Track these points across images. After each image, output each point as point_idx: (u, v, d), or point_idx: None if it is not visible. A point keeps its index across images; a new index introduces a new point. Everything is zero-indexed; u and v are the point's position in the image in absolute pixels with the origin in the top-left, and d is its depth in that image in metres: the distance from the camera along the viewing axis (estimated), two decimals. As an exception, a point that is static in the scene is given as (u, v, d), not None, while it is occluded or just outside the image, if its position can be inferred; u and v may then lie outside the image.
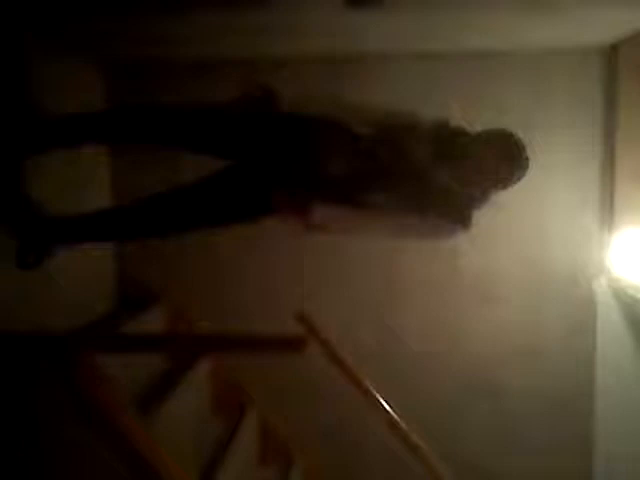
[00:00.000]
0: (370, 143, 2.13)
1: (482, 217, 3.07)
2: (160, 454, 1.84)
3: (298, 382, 3.31)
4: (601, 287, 3.26)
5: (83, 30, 2.77)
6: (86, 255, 3.02)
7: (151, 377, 2.85)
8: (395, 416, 3.02)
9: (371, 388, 3.02)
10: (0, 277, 2.35)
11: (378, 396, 3.03)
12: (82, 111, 2.52)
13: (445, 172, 2.09)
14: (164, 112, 2.33)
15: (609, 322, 3.24)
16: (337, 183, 2.10)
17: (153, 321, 3.13)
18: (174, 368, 2.99)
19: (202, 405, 3.15)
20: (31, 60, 2.60)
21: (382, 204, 2.07)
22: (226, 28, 2.71)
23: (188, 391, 2.87)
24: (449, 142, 2.11)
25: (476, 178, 2.11)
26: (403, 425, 3.02)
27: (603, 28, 2.84)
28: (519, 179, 2.14)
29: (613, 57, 3.15)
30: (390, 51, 3.13)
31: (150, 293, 3.32)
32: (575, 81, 3.23)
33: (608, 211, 3.24)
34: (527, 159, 2.11)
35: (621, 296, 3.10)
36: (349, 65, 3.18)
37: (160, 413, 2.45)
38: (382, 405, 3.03)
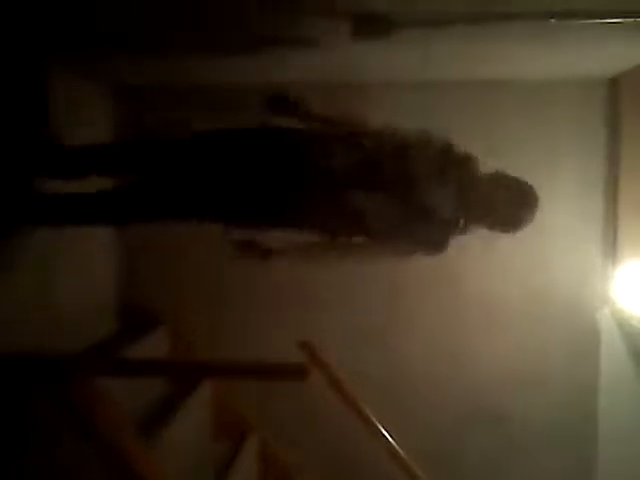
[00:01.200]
0: (375, 151, 2.14)
1: (486, 246, 3.12)
2: (163, 477, 1.84)
3: (299, 408, 3.30)
4: (605, 318, 3.26)
5: (101, 61, 2.86)
6: (90, 276, 3.04)
7: (152, 401, 2.85)
8: (395, 445, 3.01)
9: (371, 416, 3.02)
10: (1, 297, 2.36)
11: (378, 424, 3.02)
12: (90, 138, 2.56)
13: (443, 194, 2.09)
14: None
15: (612, 352, 3.23)
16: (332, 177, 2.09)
17: (155, 345, 3.13)
18: (175, 392, 2.99)
19: (203, 430, 3.14)
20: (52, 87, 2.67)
21: (367, 209, 2.07)
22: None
23: (189, 416, 2.86)
24: (460, 166, 2.13)
25: (478, 212, 2.12)
26: (403, 454, 3.00)
27: (605, 61, 2.88)
28: (523, 227, 2.16)
29: (615, 88, 3.18)
30: (392, 79, 3.17)
31: (153, 316, 3.32)
32: (578, 111, 3.25)
33: (611, 242, 3.24)
34: (535, 209, 2.15)
35: (624, 327, 3.09)
36: (348, 90, 3.21)
37: (161, 437, 2.45)
38: (382, 433, 3.02)
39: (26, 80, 2.54)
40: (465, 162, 2.16)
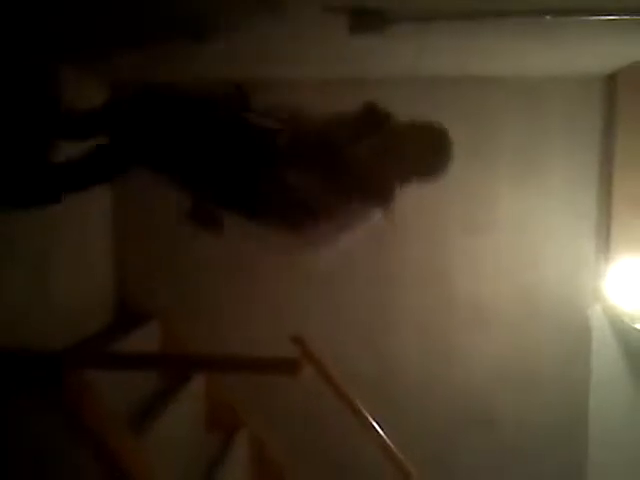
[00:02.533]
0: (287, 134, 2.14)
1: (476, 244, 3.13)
2: (151, 472, 1.84)
3: (291, 402, 3.31)
4: (596, 315, 3.27)
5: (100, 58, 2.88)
6: (83, 270, 3.03)
7: (144, 395, 2.85)
8: (387, 439, 3.02)
9: (364, 410, 3.02)
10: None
11: (370, 419, 3.02)
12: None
13: (369, 152, 2.10)
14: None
15: (604, 349, 3.24)
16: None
17: (147, 339, 3.13)
18: (168, 386, 2.99)
19: (195, 423, 3.15)
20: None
21: (304, 186, 2.06)
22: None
23: (181, 409, 2.87)
24: (376, 124, 2.14)
25: (402, 163, 2.13)
26: (394, 449, 3.01)
27: (601, 58, 2.87)
28: (442, 171, 2.14)
29: (612, 84, 3.18)
30: (388, 74, 3.16)
31: (145, 310, 3.32)
32: (573, 108, 3.25)
33: (604, 239, 3.25)
34: (450, 153, 2.13)
35: (616, 324, 3.10)
36: (345, 85, 3.20)
37: (153, 431, 2.45)
38: (374, 428, 3.02)
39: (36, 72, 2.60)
40: (385, 121, 2.17)
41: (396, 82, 3.20)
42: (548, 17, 2.09)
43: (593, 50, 2.70)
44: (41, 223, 2.63)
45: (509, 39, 2.48)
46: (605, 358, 3.23)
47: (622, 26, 2.22)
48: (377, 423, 3.02)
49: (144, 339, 3.09)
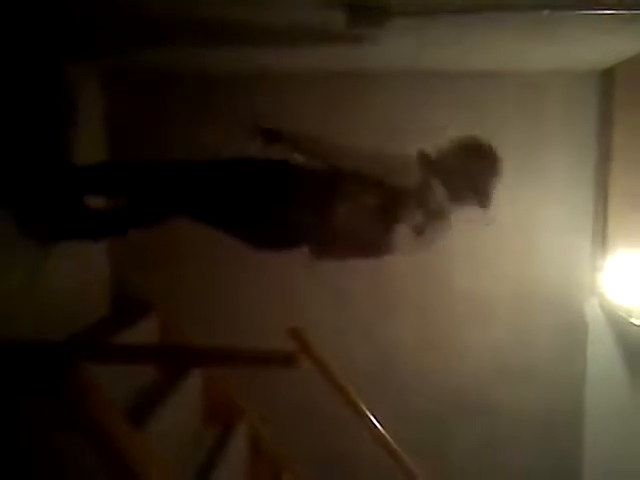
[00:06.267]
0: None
1: (474, 237, 3.14)
2: (151, 463, 1.84)
3: (289, 395, 3.32)
4: (593, 309, 3.28)
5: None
6: (83, 262, 3.03)
7: (143, 387, 2.85)
8: (384, 432, 3.03)
9: (361, 404, 3.03)
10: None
11: (368, 412, 3.03)
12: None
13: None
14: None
15: (600, 344, 3.25)
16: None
17: (146, 331, 3.13)
18: (166, 379, 2.99)
19: (193, 415, 3.15)
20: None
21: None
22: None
23: (179, 401, 2.87)
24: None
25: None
26: (391, 441, 3.02)
27: (599, 52, 2.87)
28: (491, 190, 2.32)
29: (609, 79, 3.19)
30: (387, 69, 3.16)
31: (144, 303, 3.32)
32: (570, 103, 3.26)
33: (601, 233, 3.26)
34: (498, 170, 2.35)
35: (613, 318, 3.11)
36: (347, 79, 3.21)
37: (151, 423, 2.45)
38: (371, 421, 3.04)
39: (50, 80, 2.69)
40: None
41: (395, 76, 3.20)
42: (546, 11, 2.09)
43: (590, 44, 2.70)
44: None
45: (507, 33, 2.49)
46: (601, 352, 3.24)
47: (619, 21, 2.22)
48: (374, 415, 3.03)
49: (143, 332, 3.09)
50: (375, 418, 3.04)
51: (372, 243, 2.29)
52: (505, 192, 3.26)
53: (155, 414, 2.55)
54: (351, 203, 2.21)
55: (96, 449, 1.73)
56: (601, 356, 3.25)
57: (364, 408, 3.03)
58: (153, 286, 3.36)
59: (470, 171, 2.27)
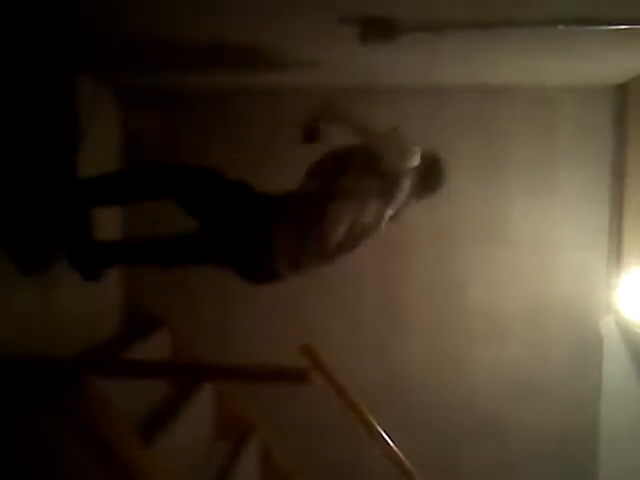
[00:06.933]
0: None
1: (490, 254, 3.13)
2: (158, 477, 1.83)
3: (301, 411, 3.30)
4: (608, 326, 3.25)
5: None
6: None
7: (154, 403, 2.85)
8: (396, 449, 3.01)
9: (373, 421, 3.01)
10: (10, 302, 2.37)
11: (380, 429, 3.01)
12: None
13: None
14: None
15: (615, 361, 3.22)
16: None
17: (157, 347, 3.13)
18: (177, 393, 2.99)
19: (204, 431, 3.14)
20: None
21: None
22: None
23: (190, 417, 2.86)
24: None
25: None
26: (403, 459, 3.00)
27: (613, 68, 2.87)
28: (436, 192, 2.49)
29: (623, 95, 3.17)
30: (399, 84, 3.16)
31: (155, 318, 3.32)
32: (584, 118, 3.24)
33: (616, 250, 3.23)
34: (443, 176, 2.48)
35: (628, 335, 3.08)
36: (356, 96, 3.21)
37: (162, 439, 2.44)
38: (383, 437, 3.01)
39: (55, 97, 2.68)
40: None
41: (407, 92, 3.21)
42: (561, 27, 2.09)
43: (603, 60, 2.70)
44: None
45: (521, 48, 2.49)
46: (617, 369, 3.20)
47: (633, 36, 2.22)
48: (385, 432, 3.01)
49: (154, 348, 3.09)
50: (387, 434, 3.01)
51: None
52: (520, 210, 3.29)
53: (166, 428, 2.54)
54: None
55: (102, 463, 1.73)
56: (616, 372, 3.21)
57: (375, 424, 3.01)
58: (166, 305, 3.37)
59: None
